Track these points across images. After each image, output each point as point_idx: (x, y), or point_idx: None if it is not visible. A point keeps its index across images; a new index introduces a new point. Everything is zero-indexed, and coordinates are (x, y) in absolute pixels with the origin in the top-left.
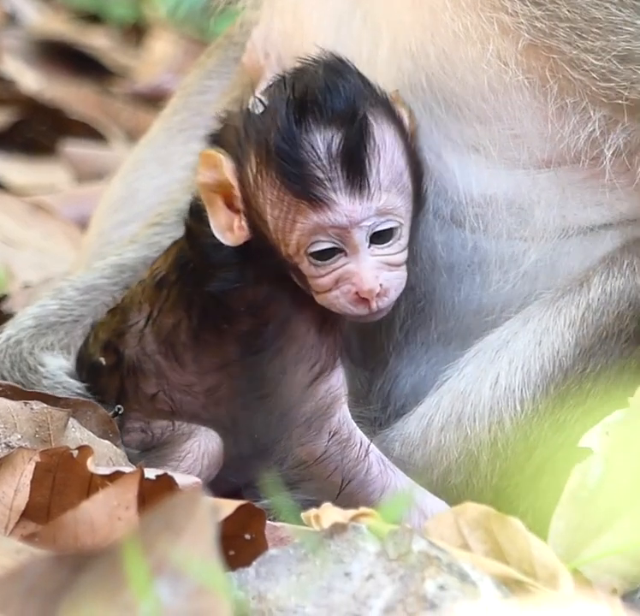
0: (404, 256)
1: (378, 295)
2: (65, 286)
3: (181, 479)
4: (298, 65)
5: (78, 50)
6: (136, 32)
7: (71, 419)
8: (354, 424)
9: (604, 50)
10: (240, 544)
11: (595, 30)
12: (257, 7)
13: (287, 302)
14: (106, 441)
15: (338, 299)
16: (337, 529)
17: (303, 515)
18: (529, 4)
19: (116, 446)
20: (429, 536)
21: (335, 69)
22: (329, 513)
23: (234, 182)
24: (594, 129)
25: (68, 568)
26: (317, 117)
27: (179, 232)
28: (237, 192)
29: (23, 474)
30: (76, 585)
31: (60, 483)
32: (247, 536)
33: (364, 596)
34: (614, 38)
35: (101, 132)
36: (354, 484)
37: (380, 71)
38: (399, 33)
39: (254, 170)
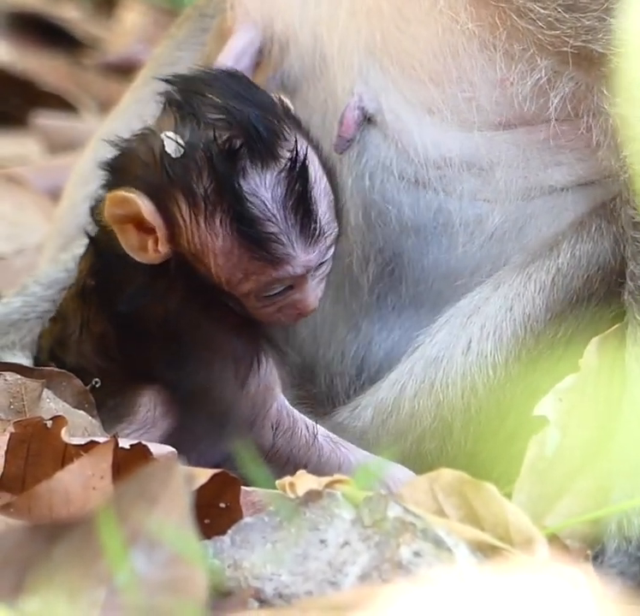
0: (330, 266)
1: None
2: (29, 282)
3: (156, 448)
4: (190, 84)
5: (49, 22)
6: (107, 3)
7: (46, 390)
8: (295, 411)
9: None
10: (216, 513)
11: None
12: None
13: (205, 315)
14: (81, 412)
15: (278, 318)
16: (312, 496)
17: (277, 483)
18: None
19: (92, 416)
20: (404, 503)
21: (247, 94)
22: (304, 481)
23: (155, 221)
24: (540, 77)
25: (42, 538)
26: (253, 161)
27: None
28: (159, 228)
29: None
30: (51, 555)
31: (34, 454)
32: (222, 505)
33: (340, 563)
34: None
35: (73, 103)
36: (310, 469)
37: (339, 34)
38: None
39: (189, 219)
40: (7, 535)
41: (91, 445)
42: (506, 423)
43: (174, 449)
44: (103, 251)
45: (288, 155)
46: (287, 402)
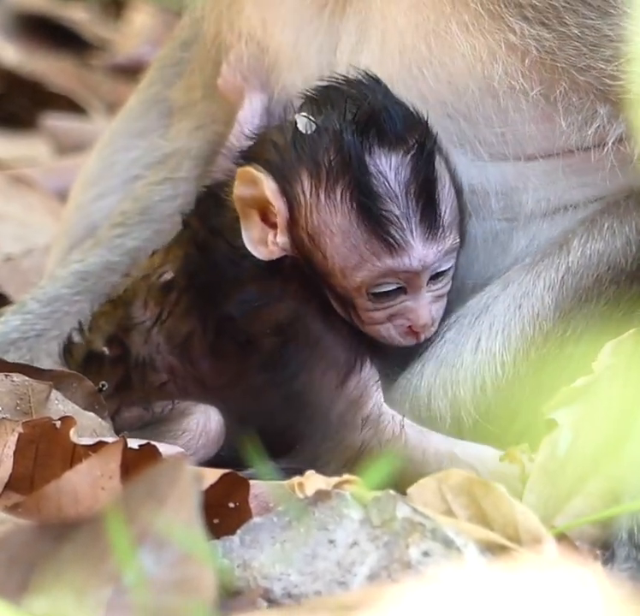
0: (449, 286)
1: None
2: (27, 299)
3: (165, 449)
4: (328, 83)
5: (57, 24)
6: (115, 4)
7: (54, 391)
8: (383, 403)
9: (614, 57)
10: (225, 513)
11: (605, 43)
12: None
13: (314, 319)
14: (90, 413)
15: (388, 331)
16: (321, 496)
17: (286, 483)
18: (536, 27)
19: (102, 418)
20: (412, 503)
21: (381, 89)
22: (313, 481)
23: (277, 202)
24: (600, 125)
25: (50, 538)
26: (383, 140)
27: (142, 232)
28: (280, 212)
29: (6, 445)
30: (58, 555)
31: (43, 454)
32: (231, 505)
33: (349, 563)
34: (625, 48)
35: (81, 104)
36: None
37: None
38: (387, 33)
39: (310, 194)
40: (15, 534)
41: (99, 445)
42: (515, 422)
43: (182, 449)
44: (210, 249)
45: (416, 141)
46: (380, 397)
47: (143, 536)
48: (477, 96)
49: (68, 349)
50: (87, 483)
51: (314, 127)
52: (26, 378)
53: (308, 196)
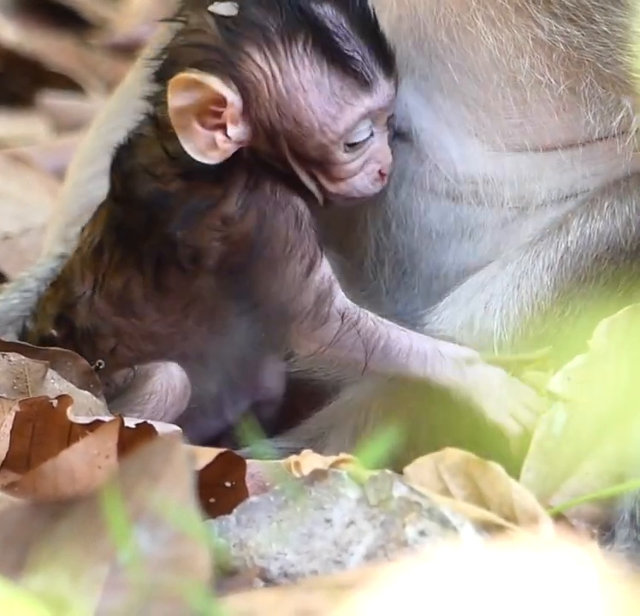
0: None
1: None
2: (26, 277)
3: (162, 427)
4: None
5: (56, 3)
6: None
7: (50, 370)
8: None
9: None
10: (221, 492)
11: (633, 39)
12: None
13: (266, 205)
14: (86, 392)
15: (363, 181)
16: (317, 475)
17: (283, 462)
18: (565, 24)
19: (96, 396)
20: (409, 482)
21: None
22: (309, 460)
23: (227, 93)
24: (624, 115)
25: (46, 516)
26: None
27: None
28: (233, 102)
29: (3, 424)
30: (54, 533)
31: (40, 433)
32: (227, 484)
33: (345, 543)
34: None
35: (80, 83)
36: (378, 353)
37: None
38: (403, 18)
39: (267, 65)
40: (11, 513)
41: (96, 424)
42: None
43: (178, 428)
44: (130, 192)
45: None
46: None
47: (138, 514)
48: (501, 87)
49: (23, 338)
50: (84, 462)
51: (236, 5)
52: (23, 357)
53: (266, 68)
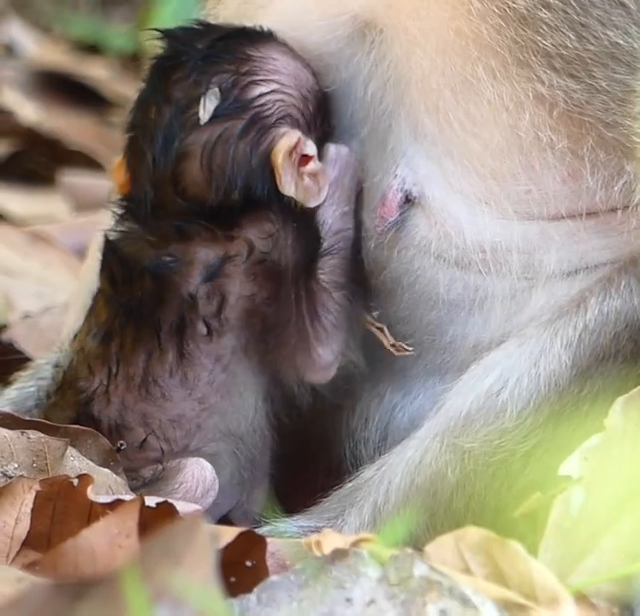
0: None
1: None
2: (41, 364)
3: (182, 507)
4: None
5: (76, 81)
6: (134, 61)
7: (70, 448)
8: None
9: None
10: (241, 571)
11: (633, 99)
12: None
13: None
14: (106, 470)
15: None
16: (338, 554)
17: (303, 541)
18: (565, 78)
19: (117, 474)
20: (430, 561)
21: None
22: (330, 539)
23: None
24: (626, 181)
25: (68, 596)
26: None
27: None
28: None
29: (23, 503)
30: (76, 613)
31: (60, 512)
32: (248, 563)
33: None
34: None
35: (100, 161)
36: None
37: (388, 117)
38: (411, 75)
39: None
40: (32, 592)
41: (117, 503)
42: (528, 479)
43: (200, 507)
44: (132, 266)
45: None
46: None
47: (159, 595)
48: (504, 147)
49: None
50: (105, 541)
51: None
52: (42, 435)
53: None
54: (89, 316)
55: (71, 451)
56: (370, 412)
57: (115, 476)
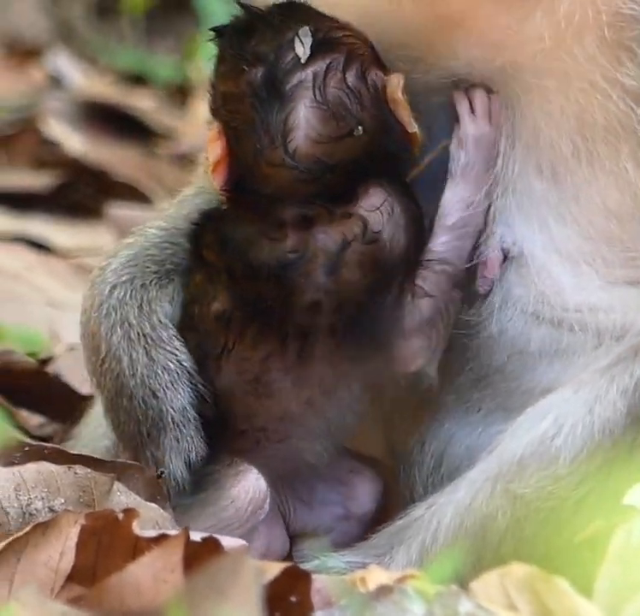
0: None
1: None
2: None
3: (227, 541)
4: None
5: (122, 112)
6: (180, 93)
7: (116, 483)
8: None
9: None
10: (286, 606)
11: None
12: None
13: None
14: (152, 504)
15: None
16: (383, 591)
17: (348, 577)
18: None
19: (163, 509)
20: (475, 598)
21: None
22: (375, 575)
23: None
24: None
25: None
26: None
27: None
28: None
29: (68, 537)
30: None
31: (105, 546)
32: (293, 599)
33: None
34: None
35: (145, 193)
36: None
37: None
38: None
39: None
40: None
41: (162, 538)
42: (579, 524)
43: (245, 542)
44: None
45: None
46: None
47: None
48: (619, 212)
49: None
50: (150, 576)
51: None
52: (89, 470)
53: None
54: (197, 284)
55: (118, 486)
56: (427, 437)
57: (161, 510)
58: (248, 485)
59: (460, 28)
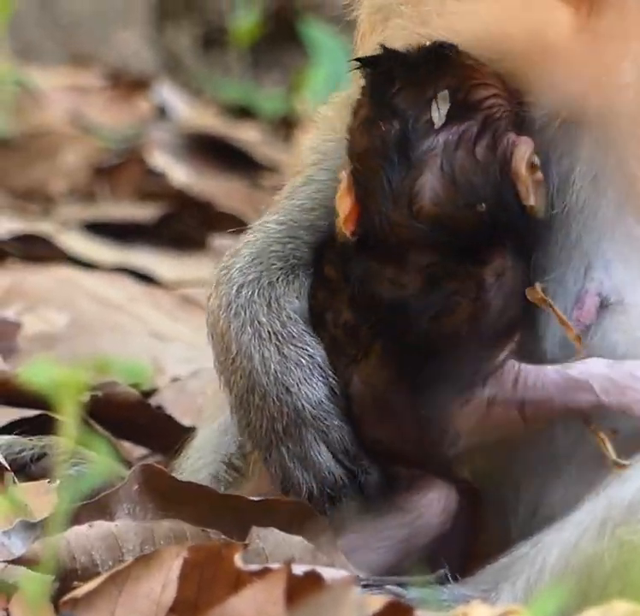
0: None
1: None
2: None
3: (330, 574)
4: None
5: (227, 144)
6: (285, 125)
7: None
8: None
9: None
10: None
11: None
12: None
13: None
14: (296, 538)
15: None
16: None
17: (451, 612)
18: None
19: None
20: None
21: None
22: (478, 611)
23: None
24: None
25: None
26: None
27: None
28: None
29: (171, 569)
30: None
31: (207, 579)
32: None
33: None
34: None
35: (250, 225)
36: (536, 400)
37: (585, 220)
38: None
39: None
40: None
41: (264, 571)
42: None
43: (352, 574)
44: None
45: None
46: None
47: None
48: None
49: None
50: (252, 609)
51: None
52: (223, 536)
53: None
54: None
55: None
56: (521, 484)
57: (305, 542)
58: (440, 497)
59: (555, 62)
